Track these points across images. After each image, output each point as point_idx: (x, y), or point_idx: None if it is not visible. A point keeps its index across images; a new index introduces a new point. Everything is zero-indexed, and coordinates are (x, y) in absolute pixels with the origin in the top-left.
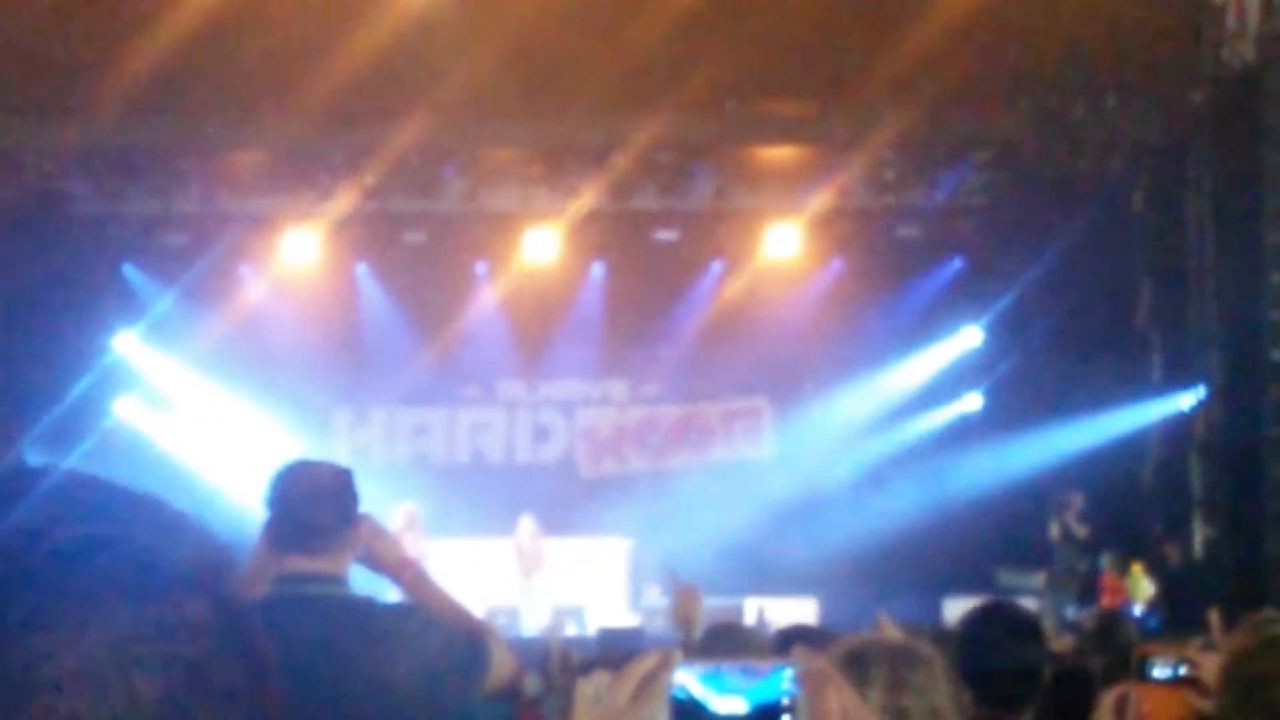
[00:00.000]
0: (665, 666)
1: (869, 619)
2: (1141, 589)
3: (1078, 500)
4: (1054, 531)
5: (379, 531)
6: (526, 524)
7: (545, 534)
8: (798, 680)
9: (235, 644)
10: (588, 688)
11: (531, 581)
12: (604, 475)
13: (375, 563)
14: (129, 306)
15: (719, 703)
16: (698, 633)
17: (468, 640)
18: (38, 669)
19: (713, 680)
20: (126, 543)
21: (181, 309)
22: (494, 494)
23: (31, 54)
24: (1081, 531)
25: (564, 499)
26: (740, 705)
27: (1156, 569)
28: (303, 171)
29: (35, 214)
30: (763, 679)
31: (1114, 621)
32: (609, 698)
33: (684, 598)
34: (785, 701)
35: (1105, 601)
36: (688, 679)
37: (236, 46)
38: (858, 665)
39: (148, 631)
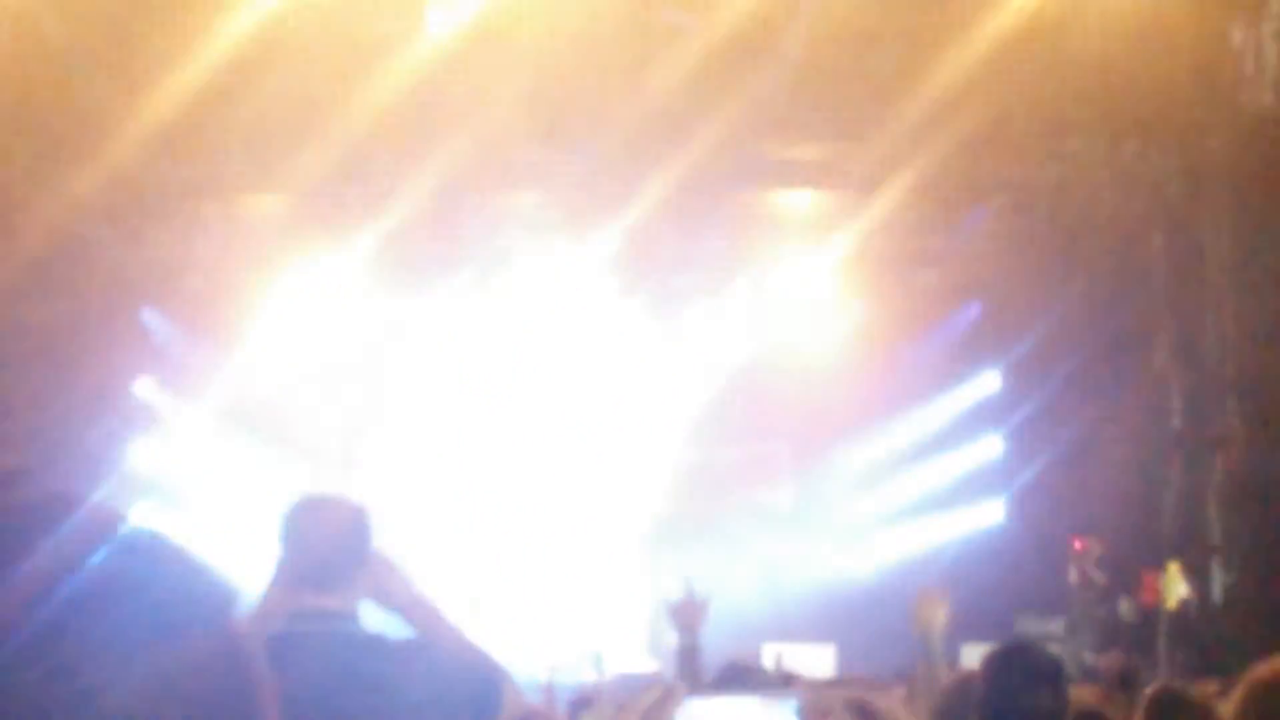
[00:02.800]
0: (670, 700)
1: (888, 665)
2: (1174, 589)
3: (1096, 546)
4: (1073, 577)
5: (392, 569)
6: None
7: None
8: (801, 713)
9: (243, 680)
10: (592, 718)
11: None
12: (620, 521)
13: (387, 600)
14: (148, 352)
15: None
16: (695, 640)
17: (480, 678)
18: (80, 711)
19: (717, 713)
20: (157, 584)
21: (200, 354)
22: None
23: (50, 97)
24: (1100, 577)
25: (583, 543)
26: None
27: (1176, 616)
28: (320, 215)
29: (54, 257)
30: (767, 712)
31: (1133, 669)
32: None
33: (690, 606)
34: None
35: (1146, 599)
36: (692, 710)
37: (254, 89)
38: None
39: (175, 669)
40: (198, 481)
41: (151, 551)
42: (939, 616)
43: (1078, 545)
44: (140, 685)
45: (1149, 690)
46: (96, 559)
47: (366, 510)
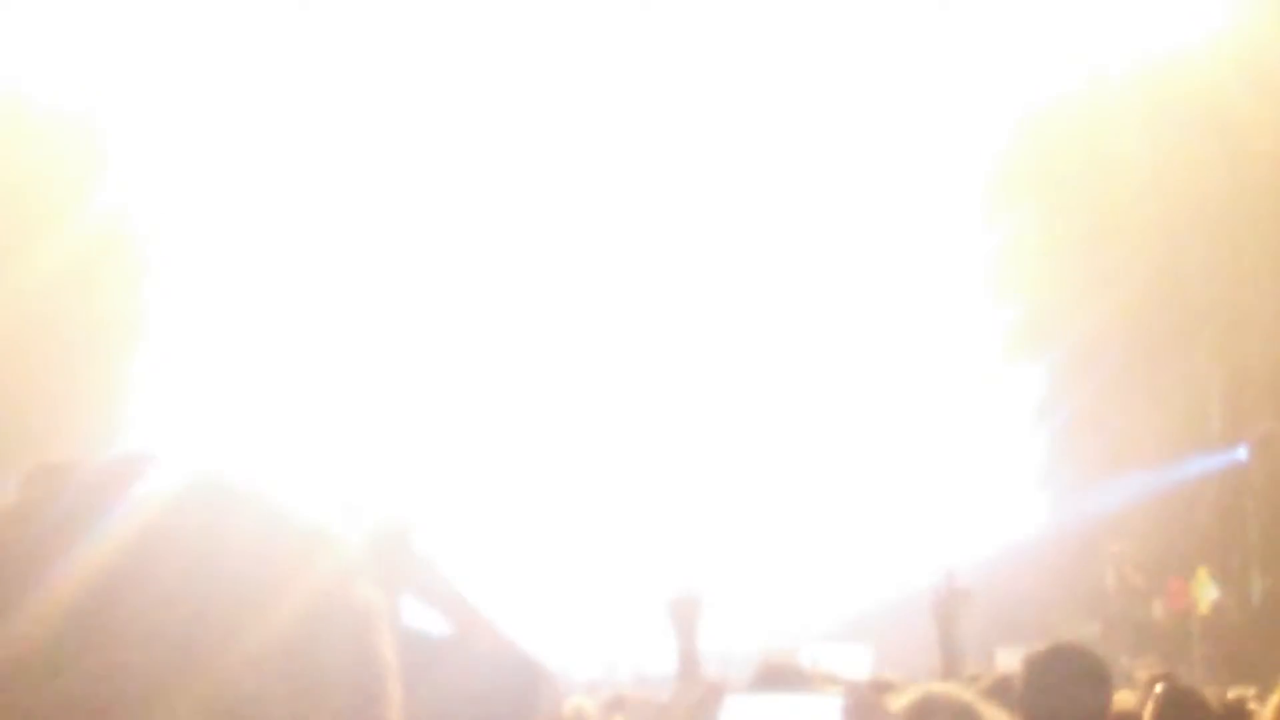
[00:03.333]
0: (711, 701)
1: (923, 666)
2: (1205, 594)
3: (1133, 549)
4: (1110, 580)
5: (430, 565)
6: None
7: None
8: (845, 713)
9: (370, 638)
10: (636, 718)
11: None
12: (660, 522)
13: (426, 595)
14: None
15: None
16: (694, 640)
17: (519, 676)
18: (230, 647)
19: (760, 713)
20: (296, 530)
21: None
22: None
23: None
24: (1138, 581)
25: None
26: None
27: (1213, 619)
28: None
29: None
30: (809, 712)
31: (1170, 674)
32: None
33: (686, 603)
34: None
35: (1171, 605)
36: (734, 709)
37: None
38: (924, 714)
39: (321, 619)
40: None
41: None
42: (960, 609)
43: (1115, 548)
44: (249, 657)
45: (1158, 689)
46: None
47: (405, 507)
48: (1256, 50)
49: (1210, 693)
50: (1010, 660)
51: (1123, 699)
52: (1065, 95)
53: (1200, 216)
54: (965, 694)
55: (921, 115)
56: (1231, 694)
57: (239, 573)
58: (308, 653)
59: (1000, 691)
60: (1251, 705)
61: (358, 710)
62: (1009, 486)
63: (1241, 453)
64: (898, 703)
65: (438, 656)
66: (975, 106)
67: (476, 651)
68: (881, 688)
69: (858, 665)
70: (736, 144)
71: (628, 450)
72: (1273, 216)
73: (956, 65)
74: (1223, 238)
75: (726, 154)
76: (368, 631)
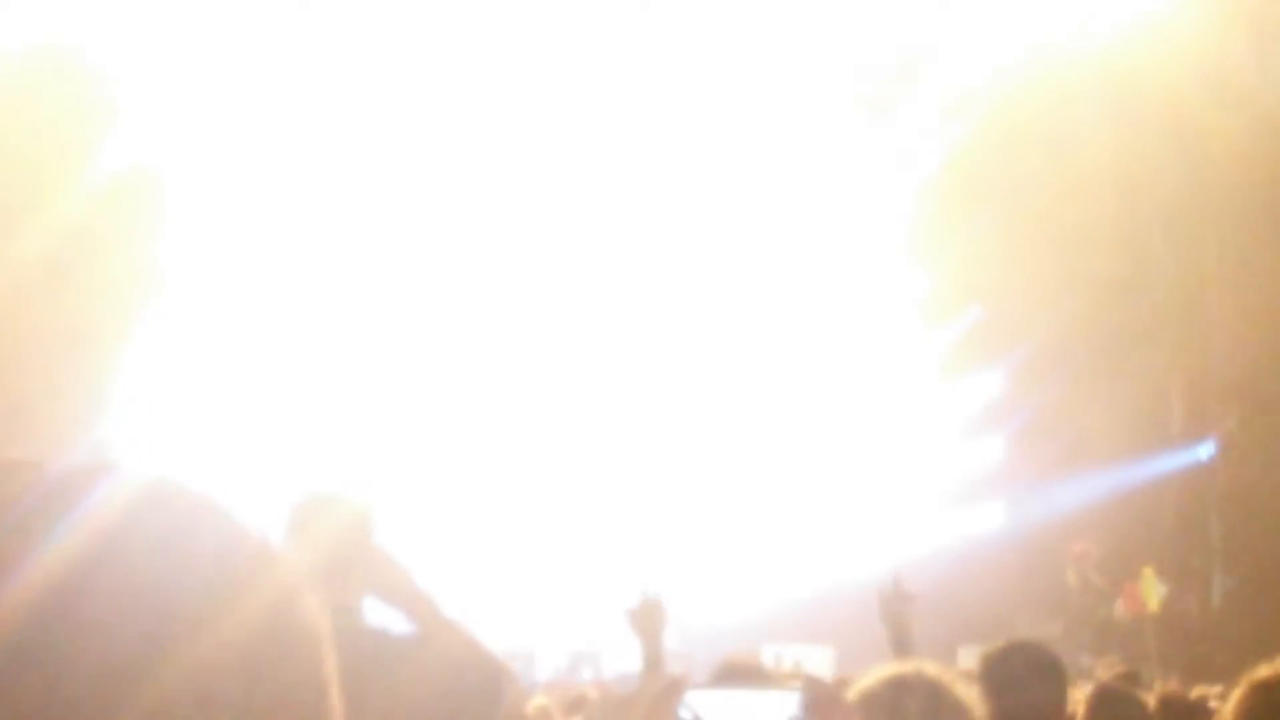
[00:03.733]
0: (674, 693)
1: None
2: (1154, 591)
3: (1095, 549)
4: (1072, 580)
5: (394, 564)
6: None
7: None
8: (806, 708)
9: (308, 650)
10: (597, 712)
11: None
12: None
13: (390, 595)
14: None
15: None
16: (659, 646)
17: (482, 675)
18: (182, 684)
19: (722, 707)
20: (248, 553)
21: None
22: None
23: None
24: (1099, 581)
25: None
26: None
27: (1175, 612)
28: None
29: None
30: (773, 706)
31: (1132, 673)
32: None
33: (648, 608)
34: None
35: (1126, 609)
36: (697, 705)
37: None
38: (894, 691)
39: (273, 648)
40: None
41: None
42: (905, 610)
43: (1077, 548)
44: (193, 662)
45: (1091, 688)
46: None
47: (371, 506)
48: (1216, 53)
49: (1167, 691)
50: (971, 659)
51: (1080, 697)
52: (1025, 98)
53: (1161, 218)
54: (935, 673)
55: (880, 117)
56: (1194, 693)
57: (193, 585)
58: (257, 669)
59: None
60: (1213, 704)
61: None
62: (970, 487)
63: (1203, 452)
64: (866, 682)
65: (401, 655)
66: (935, 108)
67: (439, 651)
68: (843, 685)
69: (820, 665)
70: (685, 142)
71: (590, 449)
72: (1233, 218)
73: (916, 67)
74: (1184, 239)
75: (680, 153)
76: (315, 650)
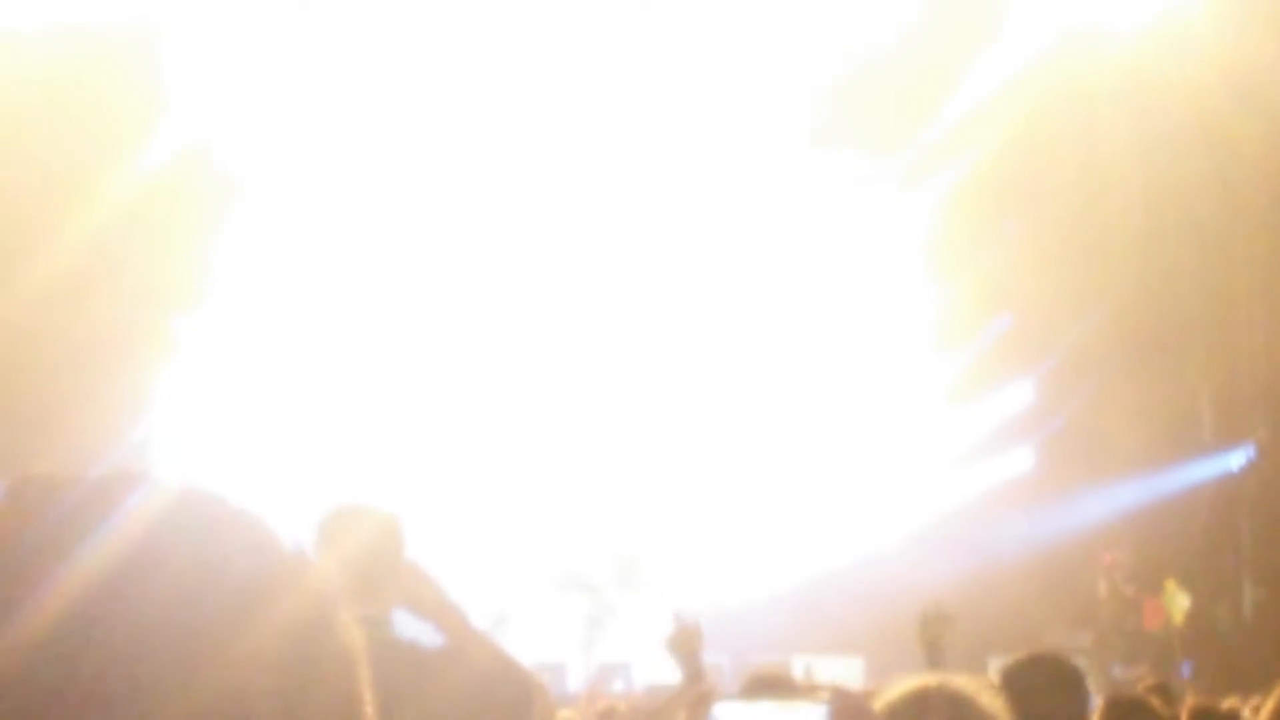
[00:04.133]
0: (702, 705)
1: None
2: (1177, 605)
3: (1126, 559)
4: (1102, 590)
5: (425, 577)
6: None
7: None
8: (833, 718)
9: (354, 674)
10: None
11: (598, 632)
12: (649, 532)
13: (420, 607)
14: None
15: None
16: (698, 664)
17: (512, 687)
18: (222, 708)
19: (747, 718)
20: (285, 569)
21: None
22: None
23: (84, 98)
24: (1130, 591)
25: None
26: None
27: (1206, 630)
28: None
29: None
30: (797, 717)
31: (1164, 684)
32: None
33: (685, 634)
34: None
35: (1148, 624)
36: (723, 717)
37: None
38: (918, 703)
39: (309, 670)
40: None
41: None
42: (945, 632)
43: (1107, 559)
44: (227, 674)
45: (1105, 697)
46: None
47: (400, 519)
48: (1246, 59)
49: (1198, 702)
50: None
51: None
52: (1053, 105)
53: (1190, 225)
54: (962, 684)
55: (909, 125)
56: (1225, 704)
57: (226, 596)
58: (291, 681)
59: None
60: (1245, 715)
61: None
62: (999, 496)
63: (1234, 461)
64: (889, 694)
65: (430, 668)
66: (963, 116)
67: (470, 663)
68: (871, 697)
69: (849, 676)
70: (696, 137)
71: (621, 457)
72: (1264, 226)
73: (942, 73)
74: (1213, 246)
75: (680, 143)
76: (349, 664)
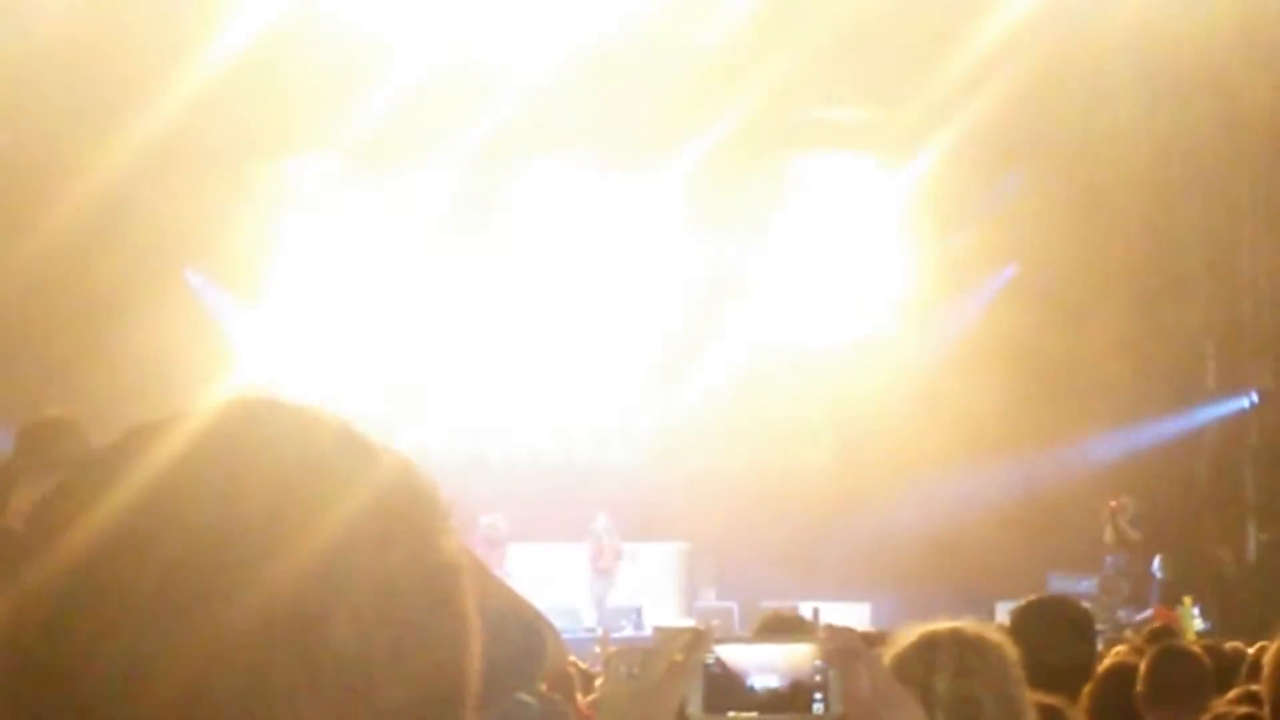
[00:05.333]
0: (699, 643)
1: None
2: (1190, 624)
3: (1130, 504)
4: (1108, 535)
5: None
6: (603, 521)
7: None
8: (829, 657)
9: (451, 575)
10: (620, 664)
11: (609, 579)
12: (660, 479)
13: None
14: (194, 311)
15: (752, 680)
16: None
17: (522, 627)
18: (334, 597)
19: (746, 658)
20: (377, 467)
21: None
22: (553, 495)
23: (96, 56)
24: (1135, 535)
25: (620, 501)
26: (773, 683)
27: (1210, 574)
28: (366, 179)
29: (101, 218)
30: (796, 657)
31: (1170, 628)
32: (643, 673)
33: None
34: (817, 678)
35: (1157, 619)
36: (721, 656)
37: (302, 52)
38: (925, 651)
39: (410, 564)
40: None
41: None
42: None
43: (1113, 504)
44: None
45: (1157, 648)
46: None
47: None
48: (1250, 10)
49: (1202, 647)
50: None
51: (1121, 654)
52: (1059, 58)
53: (1195, 175)
54: (970, 629)
55: (915, 78)
56: (1228, 646)
57: (337, 523)
58: (399, 600)
59: None
60: (1250, 656)
61: (448, 689)
62: (1007, 444)
63: (1237, 407)
64: (901, 641)
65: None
66: (969, 69)
67: (479, 604)
68: (873, 640)
69: (856, 623)
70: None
71: (628, 401)
72: (1267, 175)
73: (948, 25)
74: (1218, 197)
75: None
76: (463, 599)
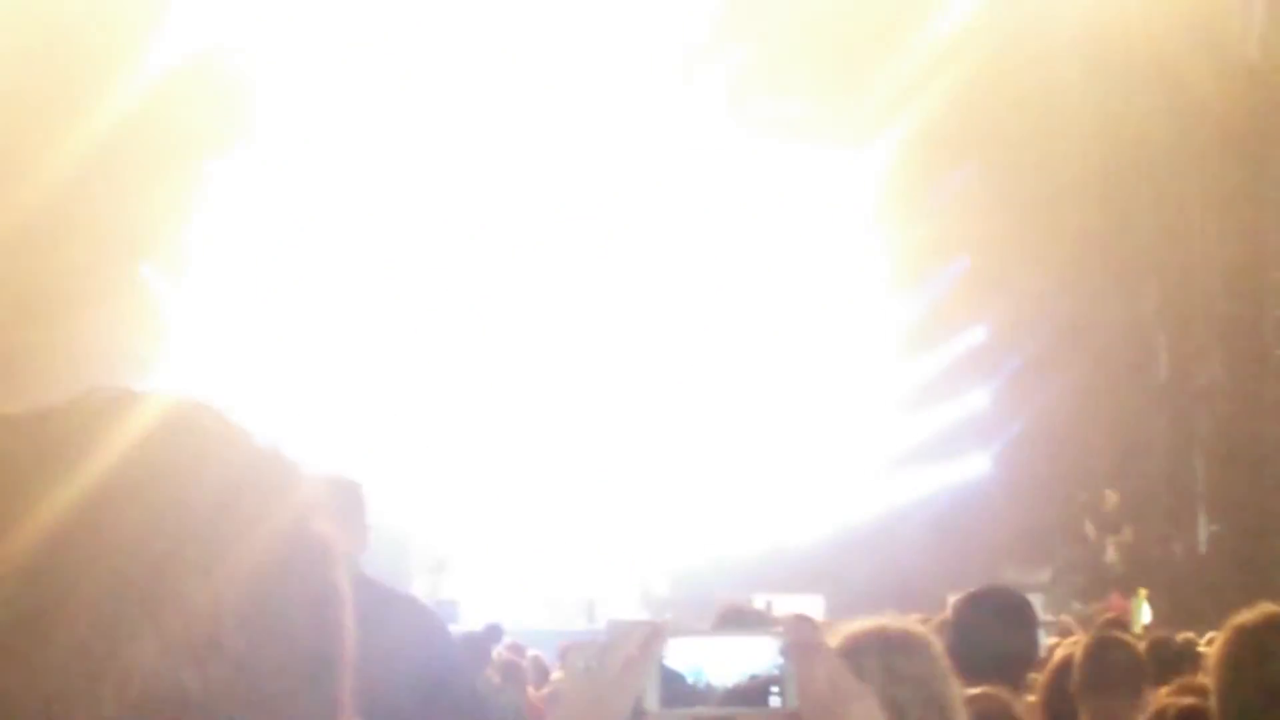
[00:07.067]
0: (655, 638)
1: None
2: (1140, 615)
3: (1113, 497)
4: (1089, 529)
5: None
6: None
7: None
8: (786, 653)
9: (330, 571)
10: (577, 659)
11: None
12: (615, 473)
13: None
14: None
15: (709, 675)
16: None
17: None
18: (184, 552)
19: (703, 652)
20: (268, 468)
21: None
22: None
23: (46, 49)
24: (1090, 530)
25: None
26: (730, 677)
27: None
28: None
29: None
30: (752, 651)
31: (1125, 621)
32: (599, 668)
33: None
34: (774, 673)
35: (1111, 611)
36: (678, 650)
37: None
38: (850, 657)
39: (285, 548)
40: None
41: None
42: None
43: (1083, 498)
44: (215, 590)
45: (1090, 635)
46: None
47: (360, 487)
48: (1199, 4)
49: (1155, 636)
50: None
51: (1073, 645)
52: (1009, 50)
53: (1145, 168)
54: (897, 628)
55: (865, 72)
56: (1180, 637)
57: (210, 506)
58: (271, 588)
59: (945, 635)
60: (1200, 648)
61: (316, 646)
62: (957, 437)
63: (1187, 400)
64: (835, 639)
65: (402, 605)
66: (921, 61)
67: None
68: (826, 630)
69: (810, 614)
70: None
71: (583, 404)
72: (1218, 167)
73: (899, 19)
74: (1169, 189)
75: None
76: (328, 569)
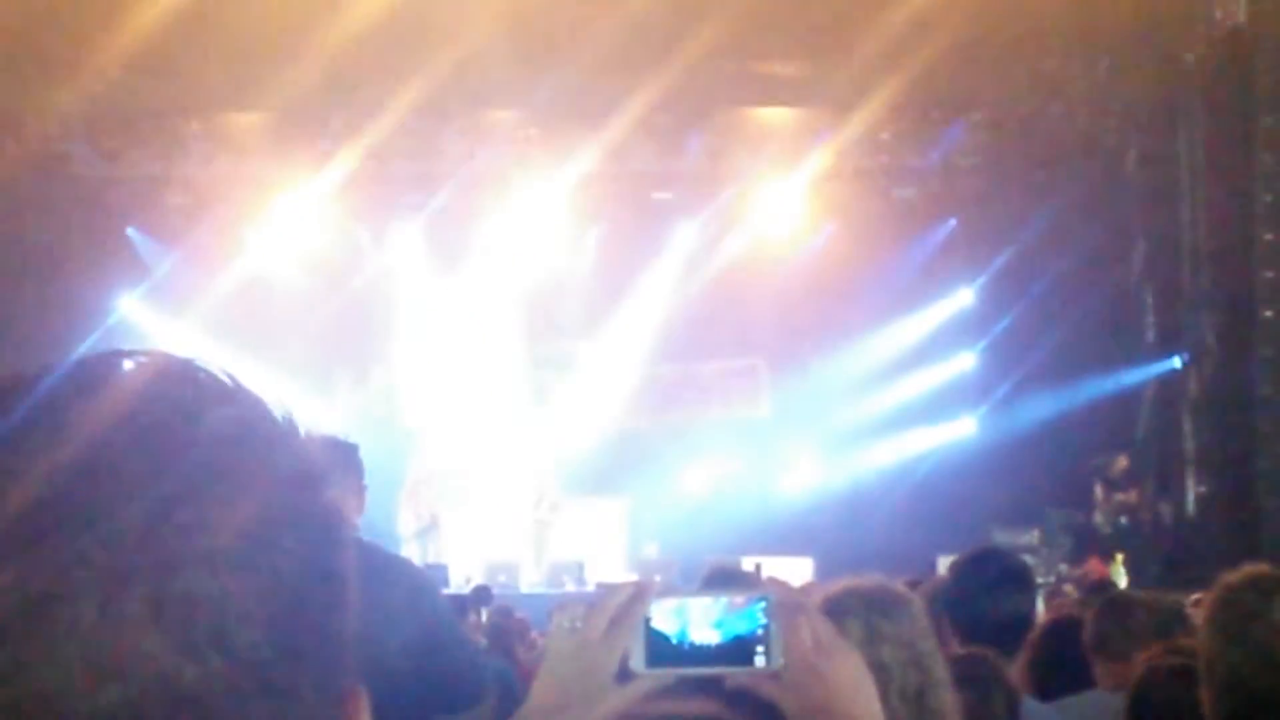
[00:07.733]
0: (641, 598)
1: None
2: (1118, 579)
3: (1123, 461)
4: (1099, 494)
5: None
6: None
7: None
8: (771, 612)
9: (334, 540)
10: (563, 619)
11: (547, 533)
12: (603, 434)
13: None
14: (132, 269)
15: (694, 634)
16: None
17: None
18: (191, 543)
19: (688, 612)
20: (268, 427)
21: (184, 271)
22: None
23: (30, 14)
24: (1128, 496)
25: (564, 457)
26: (714, 636)
27: (1151, 528)
28: (303, 133)
29: (36, 176)
30: (737, 611)
31: (1111, 580)
32: (585, 628)
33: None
34: (759, 633)
35: (1090, 572)
36: (663, 610)
37: (238, 7)
38: (833, 617)
39: (286, 516)
40: None
41: (260, 403)
42: None
43: (1095, 461)
44: (256, 527)
45: (1103, 600)
46: (216, 403)
47: (357, 447)
48: None
49: (1147, 598)
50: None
51: (1063, 607)
52: (999, 8)
53: (1133, 130)
54: (875, 586)
55: (854, 31)
56: (1169, 599)
57: (207, 467)
58: (268, 553)
59: (933, 597)
60: (1188, 610)
61: (323, 626)
62: (945, 399)
63: (1176, 362)
64: (816, 597)
65: (398, 567)
66: (909, 21)
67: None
68: (809, 590)
69: (798, 577)
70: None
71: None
72: (1205, 131)
73: None
74: (1157, 151)
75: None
76: (328, 535)
